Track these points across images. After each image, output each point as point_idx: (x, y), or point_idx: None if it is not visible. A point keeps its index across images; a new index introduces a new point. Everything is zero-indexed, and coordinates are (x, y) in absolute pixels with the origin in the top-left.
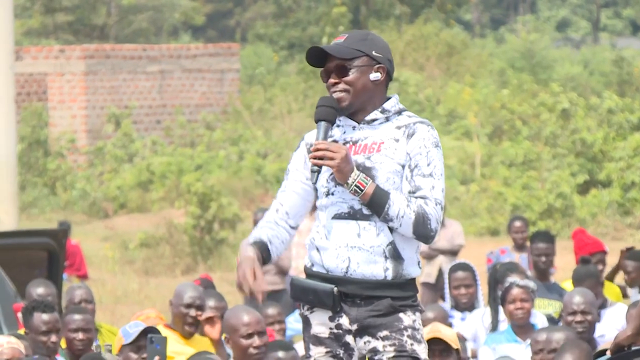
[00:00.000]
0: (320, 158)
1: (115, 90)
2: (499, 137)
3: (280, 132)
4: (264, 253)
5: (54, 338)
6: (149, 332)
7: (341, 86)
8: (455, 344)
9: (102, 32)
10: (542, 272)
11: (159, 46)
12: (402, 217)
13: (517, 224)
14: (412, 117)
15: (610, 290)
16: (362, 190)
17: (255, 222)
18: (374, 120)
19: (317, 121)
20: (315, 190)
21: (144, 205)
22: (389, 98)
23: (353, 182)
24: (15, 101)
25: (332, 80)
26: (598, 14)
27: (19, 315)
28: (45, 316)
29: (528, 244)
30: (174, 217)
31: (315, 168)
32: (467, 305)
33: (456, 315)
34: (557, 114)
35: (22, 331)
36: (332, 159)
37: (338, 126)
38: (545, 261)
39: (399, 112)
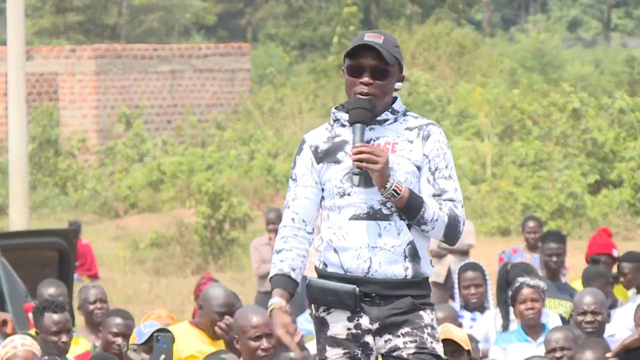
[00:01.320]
0: (361, 160)
1: (126, 90)
2: (510, 136)
3: (291, 132)
4: (289, 288)
5: (64, 338)
6: (157, 331)
7: (373, 89)
8: (466, 344)
9: (113, 32)
10: (553, 272)
11: (170, 46)
12: (436, 220)
13: (531, 224)
14: (418, 118)
15: (621, 290)
16: (398, 195)
17: (267, 222)
18: (385, 120)
19: (352, 124)
20: (322, 190)
21: (155, 205)
22: (394, 98)
23: (391, 187)
24: (26, 101)
25: (366, 79)
26: (609, 14)
27: (30, 315)
28: (55, 316)
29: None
30: (185, 216)
31: (357, 170)
32: (476, 305)
33: (466, 315)
34: (568, 113)
35: (32, 331)
36: (375, 162)
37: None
38: (557, 261)
39: (404, 113)
